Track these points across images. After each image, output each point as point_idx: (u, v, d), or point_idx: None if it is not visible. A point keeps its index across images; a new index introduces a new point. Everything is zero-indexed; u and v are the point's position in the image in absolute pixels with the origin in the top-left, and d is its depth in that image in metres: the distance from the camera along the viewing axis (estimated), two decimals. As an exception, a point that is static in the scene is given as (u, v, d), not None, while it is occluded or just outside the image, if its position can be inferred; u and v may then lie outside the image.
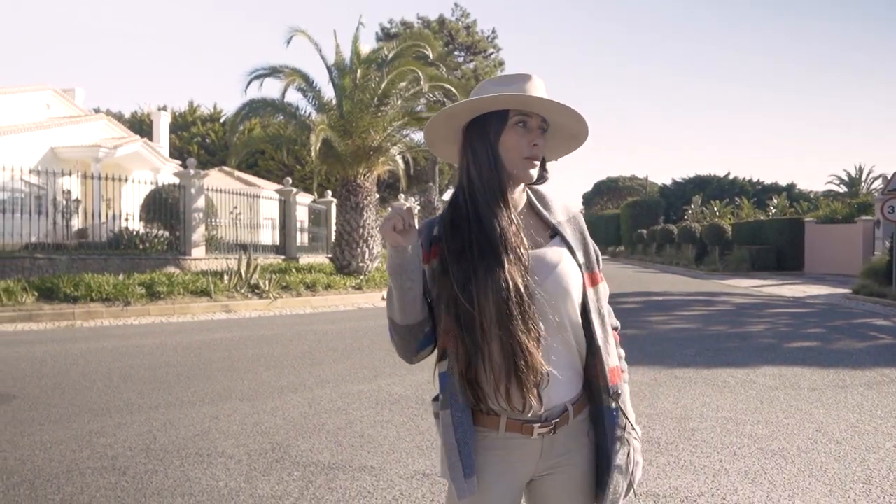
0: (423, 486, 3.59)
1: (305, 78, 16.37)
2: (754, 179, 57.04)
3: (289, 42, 16.00)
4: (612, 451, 1.50)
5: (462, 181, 1.53)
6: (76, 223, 16.85)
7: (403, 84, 16.66)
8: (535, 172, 1.51)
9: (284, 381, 6.24)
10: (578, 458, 1.52)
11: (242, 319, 11.60)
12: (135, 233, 15.73)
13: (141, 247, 15.41)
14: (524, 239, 1.47)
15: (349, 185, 16.90)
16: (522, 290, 1.40)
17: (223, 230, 18.10)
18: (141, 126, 38.49)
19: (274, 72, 16.14)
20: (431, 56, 17.10)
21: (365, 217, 16.83)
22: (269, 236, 21.40)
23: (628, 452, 1.52)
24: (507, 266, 1.41)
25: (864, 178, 39.11)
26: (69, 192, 15.72)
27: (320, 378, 6.38)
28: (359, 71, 16.26)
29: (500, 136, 1.49)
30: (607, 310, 1.60)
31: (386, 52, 16.87)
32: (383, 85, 16.17)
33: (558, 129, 1.57)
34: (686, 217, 42.86)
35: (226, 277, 13.77)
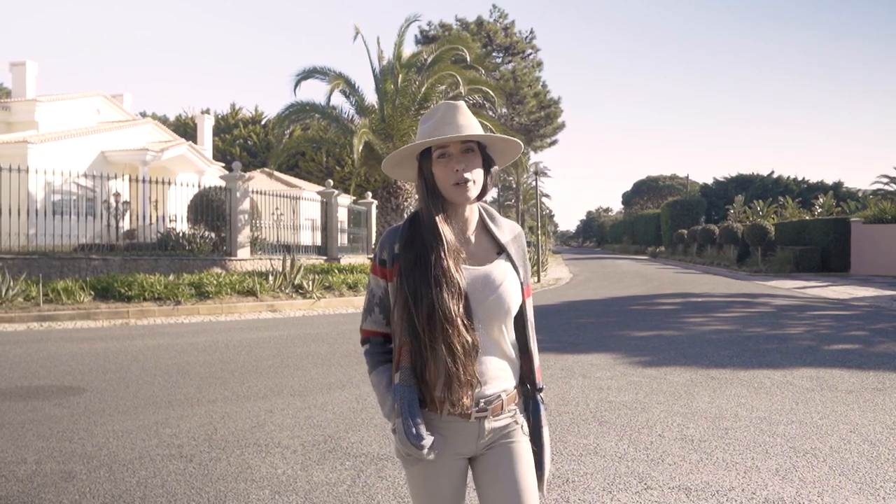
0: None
1: (348, 81, 16.78)
2: (799, 178, 55.47)
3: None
4: (541, 433, 1.82)
5: (419, 203, 1.78)
6: (125, 224, 17.51)
7: (442, 87, 16.94)
8: (470, 192, 1.69)
9: (332, 378, 6.54)
10: (514, 437, 1.77)
11: (288, 318, 11.99)
12: (181, 234, 16.28)
13: (188, 248, 15.96)
14: (460, 267, 1.67)
15: (390, 187, 17.26)
16: (455, 313, 1.62)
17: (266, 231, 18.61)
18: (185, 129, 39.56)
19: (317, 73, 16.61)
20: (469, 59, 17.34)
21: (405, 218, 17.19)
22: (309, 237, 21.86)
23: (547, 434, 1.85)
24: (442, 293, 1.63)
25: (915, 176, 38.03)
26: (119, 194, 16.38)
27: (366, 375, 6.64)
28: (400, 75, 16.57)
29: (431, 171, 1.72)
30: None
31: (425, 56, 17.18)
32: (423, 89, 16.47)
33: (490, 140, 1.75)
34: (728, 217, 42.22)
35: (271, 278, 14.22)
